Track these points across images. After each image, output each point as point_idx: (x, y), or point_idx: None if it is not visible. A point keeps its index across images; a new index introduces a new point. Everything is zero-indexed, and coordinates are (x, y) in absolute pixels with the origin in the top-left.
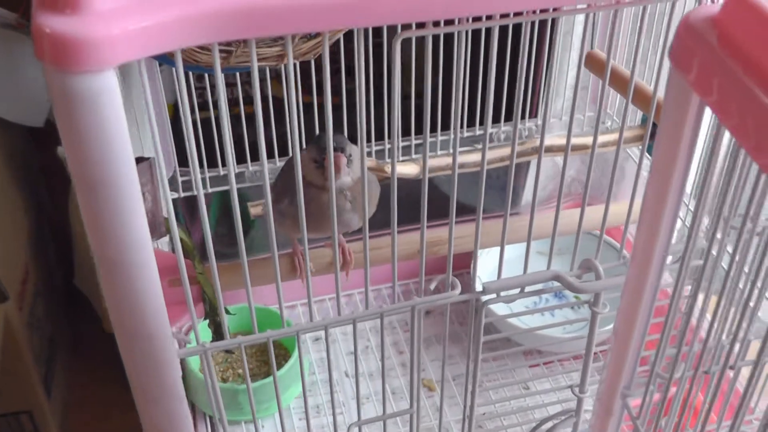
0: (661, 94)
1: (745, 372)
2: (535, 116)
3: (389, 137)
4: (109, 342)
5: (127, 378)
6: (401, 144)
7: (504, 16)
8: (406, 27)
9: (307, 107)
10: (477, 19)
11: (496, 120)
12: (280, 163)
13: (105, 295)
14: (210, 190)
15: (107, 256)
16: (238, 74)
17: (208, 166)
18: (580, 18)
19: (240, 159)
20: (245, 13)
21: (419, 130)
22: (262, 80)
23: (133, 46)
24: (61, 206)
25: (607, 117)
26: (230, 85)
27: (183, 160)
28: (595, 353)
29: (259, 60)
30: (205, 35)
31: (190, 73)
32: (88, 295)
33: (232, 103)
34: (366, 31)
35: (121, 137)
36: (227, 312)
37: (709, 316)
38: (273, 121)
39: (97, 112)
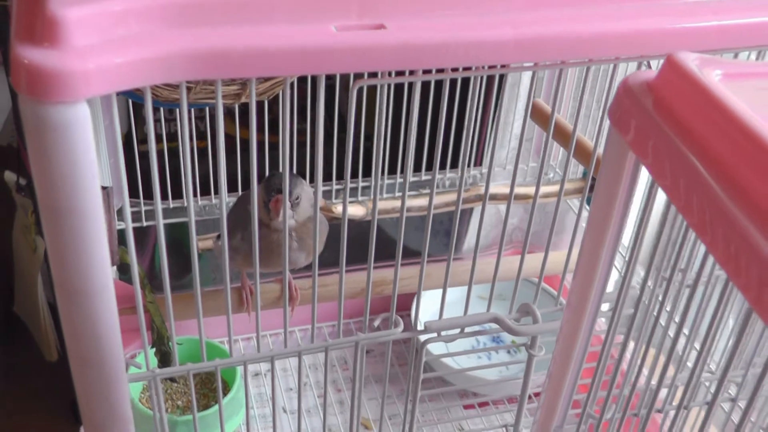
0: (601, 149)
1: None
2: (480, 164)
3: (338, 178)
4: (45, 371)
5: (59, 409)
6: (350, 185)
7: (455, 69)
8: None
9: (259, 145)
10: (428, 70)
11: (441, 167)
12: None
13: (62, 321)
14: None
15: (70, 282)
16: (193, 110)
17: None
18: (527, 71)
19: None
20: (213, 55)
21: (366, 173)
22: (215, 117)
23: (106, 81)
24: (4, 232)
25: (549, 168)
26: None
27: (132, 191)
28: (529, 396)
29: (215, 98)
30: (174, 74)
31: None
32: (27, 322)
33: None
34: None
35: (90, 166)
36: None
37: (639, 367)
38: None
39: (68, 141)
